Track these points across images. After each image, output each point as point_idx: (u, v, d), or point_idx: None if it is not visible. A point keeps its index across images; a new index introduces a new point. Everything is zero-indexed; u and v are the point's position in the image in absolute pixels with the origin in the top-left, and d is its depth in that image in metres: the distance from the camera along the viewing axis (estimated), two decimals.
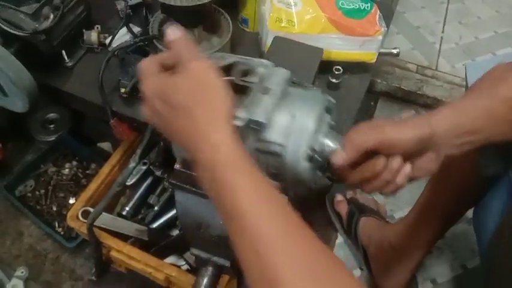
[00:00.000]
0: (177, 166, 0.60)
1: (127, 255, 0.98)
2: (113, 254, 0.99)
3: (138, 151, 0.93)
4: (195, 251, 0.63)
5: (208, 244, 0.62)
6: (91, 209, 1.01)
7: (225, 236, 0.58)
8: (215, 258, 0.62)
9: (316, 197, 1.23)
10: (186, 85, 0.48)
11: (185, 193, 0.59)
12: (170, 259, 1.06)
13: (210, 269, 0.63)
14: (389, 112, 1.50)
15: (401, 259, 1.06)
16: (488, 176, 0.93)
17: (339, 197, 1.22)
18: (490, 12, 1.82)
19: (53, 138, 1.27)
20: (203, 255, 0.62)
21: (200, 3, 0.91)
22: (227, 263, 0.62)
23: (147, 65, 0.51)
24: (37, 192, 1.23)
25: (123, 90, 0.96)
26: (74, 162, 1.27)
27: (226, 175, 0.45)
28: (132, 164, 0.93)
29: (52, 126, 1.29)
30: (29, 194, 1.22)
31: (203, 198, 0.58)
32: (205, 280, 0.67)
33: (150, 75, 0.51)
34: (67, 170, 1.26)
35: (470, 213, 1.01)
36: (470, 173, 0.96)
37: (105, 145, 1.31)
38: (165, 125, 0.50)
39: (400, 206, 1.27)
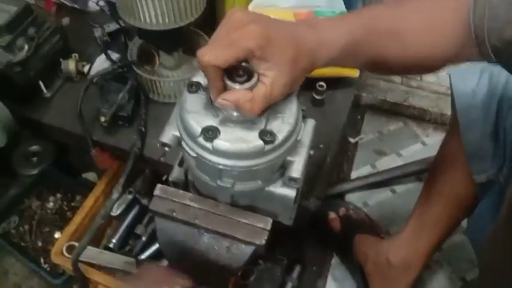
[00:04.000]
0: (156, 192, 0.58)
1: None
2: None
3: (121, 180, 0.91)
4: None
5: (194, 272, 0.60)
6: (76, 244, 0.98)
7: (210, 262, 0.56)
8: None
9: (309, 217, 1.20)
10: None
11: (166, 220, 0.57)
12: None
13: None
14: (377, 125, 1.49)
15: (399, 274, 1.04)
16: (480, 184, 0.91)
17: (332, 215, 1.20)
18: None
19: (36, 171, 1.23)
20: None
21: (177, 26, 0.90)
22: None
23: None
24: (21, 228, 1.19)
25: (103, 119, 0.94)
26: (59, 195, 1.24)
27: None
28: (115, 195, 0.90)
29: (35, 159, 1.24)
30: (13, 231, 1.18)
31: (185, 225, 0.56)
32: None
33: None
34: (51, 203, 1.23)
35: (465, 223, 0.99)
36: (463, 183, 0.95)
37: (91, 175, 1.28)
38: None
39: (395, 221, 1.24)
